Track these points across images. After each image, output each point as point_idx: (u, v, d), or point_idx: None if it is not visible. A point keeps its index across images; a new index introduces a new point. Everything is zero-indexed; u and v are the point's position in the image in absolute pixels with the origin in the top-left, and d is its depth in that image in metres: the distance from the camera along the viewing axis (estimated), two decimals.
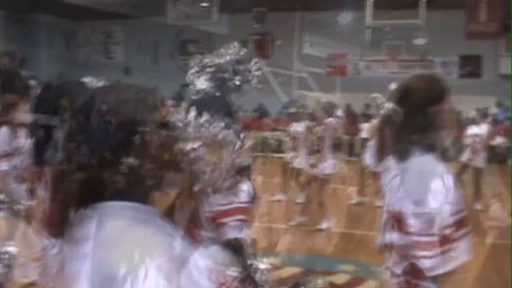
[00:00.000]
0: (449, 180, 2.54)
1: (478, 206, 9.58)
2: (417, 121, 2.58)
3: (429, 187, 2.50)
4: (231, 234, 2.38)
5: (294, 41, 20.36)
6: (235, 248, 2.35)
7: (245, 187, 2.40)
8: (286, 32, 20.15)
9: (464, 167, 10.16)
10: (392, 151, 2.70)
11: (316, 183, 8.43)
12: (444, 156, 2.61)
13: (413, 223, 2.53)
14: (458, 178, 10.21)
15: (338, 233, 8.24)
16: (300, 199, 9.12)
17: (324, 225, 8.21)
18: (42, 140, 2.33)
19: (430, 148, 2.58)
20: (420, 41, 17.30)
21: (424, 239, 2.51)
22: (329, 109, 8.37)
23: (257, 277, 2.40)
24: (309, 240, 8.03)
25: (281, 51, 19.98)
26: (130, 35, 22.54)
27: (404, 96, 2.66)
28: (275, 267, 7.88)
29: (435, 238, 2.50)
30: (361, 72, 18.54)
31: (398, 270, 2.65)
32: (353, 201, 10.23)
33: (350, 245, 7.67)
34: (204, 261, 1.53)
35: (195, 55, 2.90)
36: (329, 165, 8.23)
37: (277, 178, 10.92)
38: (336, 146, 8.51)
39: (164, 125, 1.52)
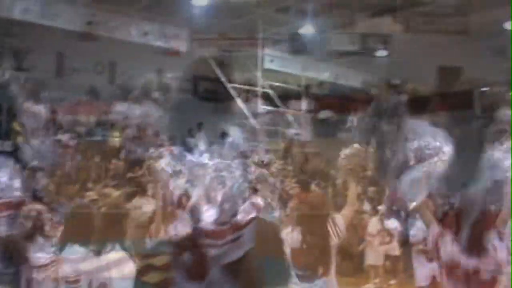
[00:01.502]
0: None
1: (304, 177, 9.95)
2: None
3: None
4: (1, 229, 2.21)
5: None
6: (6, 245, 2.21)
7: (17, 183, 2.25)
8: None
9: (291, 141, 10.57)
10: None
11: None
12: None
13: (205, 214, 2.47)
14: (286, 152, 10.60)
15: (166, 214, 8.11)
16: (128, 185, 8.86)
17: (149, 207, 8.05)
18: None
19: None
20: (251, 18, 17.58)
21: (212, 228, 2.44)
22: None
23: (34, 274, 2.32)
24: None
25: None
26: None
27: None
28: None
29: (224, 227, 2.44)
30: (194, 52, 18.46)
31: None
32: None
33: None
34: None
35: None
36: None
37: (108, 163, 10.61)
38: None
39: None
